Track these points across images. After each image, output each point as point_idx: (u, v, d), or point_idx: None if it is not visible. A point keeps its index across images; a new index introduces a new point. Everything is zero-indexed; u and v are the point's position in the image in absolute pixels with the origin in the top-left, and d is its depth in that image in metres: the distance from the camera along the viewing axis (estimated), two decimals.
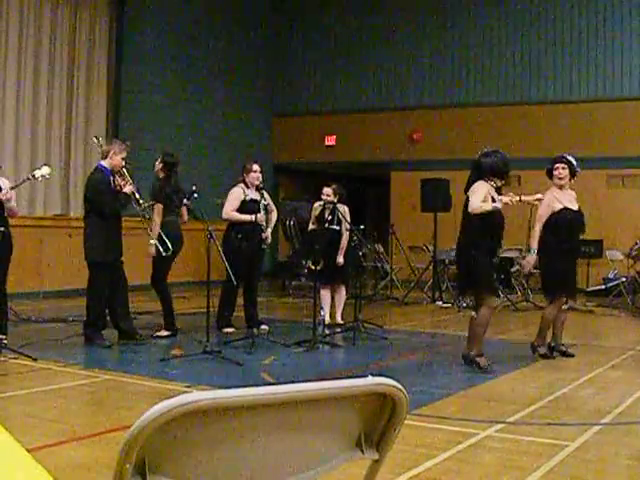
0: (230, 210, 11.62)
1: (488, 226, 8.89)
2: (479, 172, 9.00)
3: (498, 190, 9.08)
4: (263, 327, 11.58)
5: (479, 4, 20.65)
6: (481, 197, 8.76)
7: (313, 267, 11.46)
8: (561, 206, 9.72)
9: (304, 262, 12.30)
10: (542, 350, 9.98)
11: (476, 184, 8.91)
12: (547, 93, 20.08)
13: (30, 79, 16.61)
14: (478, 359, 9.05)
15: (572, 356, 10.12)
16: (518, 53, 20.27)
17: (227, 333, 11.46)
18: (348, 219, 12.24)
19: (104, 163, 10.43)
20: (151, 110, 18.78)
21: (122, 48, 18.52)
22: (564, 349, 10.18)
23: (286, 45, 22.50)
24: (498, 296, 9.65)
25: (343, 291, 12.81)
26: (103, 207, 10.16)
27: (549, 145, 18.22)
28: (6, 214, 9.75)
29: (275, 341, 10.75)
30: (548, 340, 10.08)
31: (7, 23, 16.21)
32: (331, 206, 12.29)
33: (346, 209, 12.45)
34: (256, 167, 11.75)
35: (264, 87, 22.25)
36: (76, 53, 17.53)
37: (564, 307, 9.97)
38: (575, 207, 9.86)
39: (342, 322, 12.44)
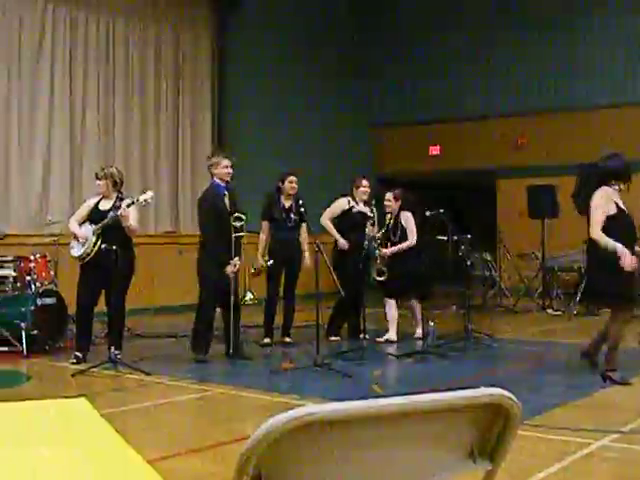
0: (329, 217, 11.79)
1: (617, 229, 8.50)
2: (601, 176, 8.72)
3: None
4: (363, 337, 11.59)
5: (582, 4, 20.31)
6: (602, 211, 8.45)
7: (378, 278, 11.47)
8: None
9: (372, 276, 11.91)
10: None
11: (597, 194, 8.59)
12: None
13: (137, 100, 16.92)
14: (611, 373, 8.70)
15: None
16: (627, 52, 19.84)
17: (334, 341, 11.75)
18: (411, 227, 11.87)
19: (215, 178, 10.63)
20: (253, 125, 18.94)
21: (223, 66, 18.72)
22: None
23: (388, 54, 22.45)
24: (631, 309, 8.90)
25: (413, 303, 12.13)
26: (205, 219, 10.46)
27: None
28: (128, 233, 10.07)
29: (384, 353, 10.74)
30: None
31: (114, 47, 16.56)
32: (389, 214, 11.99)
33: (409, 216, 11.95)
34: (365, 182, 11.94)
35: (365, 98, 22.23)
36: (180, 72, 17.80)
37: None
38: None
39: (421, 336, 11.86)
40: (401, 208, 11.94)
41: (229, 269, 10.26)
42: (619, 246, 8.24)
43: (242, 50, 18.91)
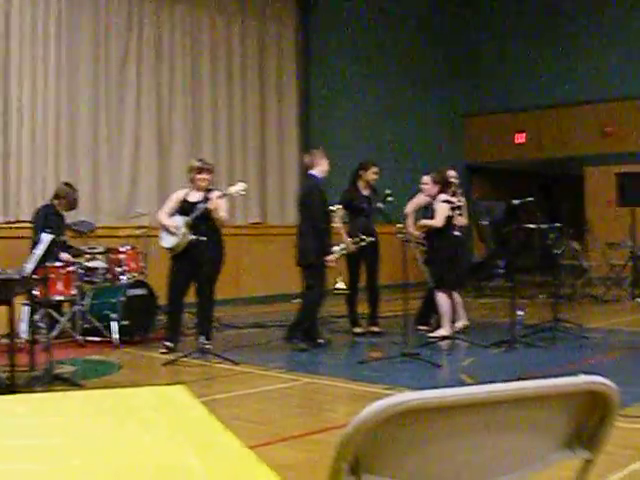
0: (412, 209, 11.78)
1: None
2: None
3: None
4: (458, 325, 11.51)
5: None
6: None
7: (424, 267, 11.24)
8: None
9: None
10: None
11: None
12: None
13: (224, 94, 17.04)
14: None
15: None
16: None
17: (422, 331, 11.62)
18: (441, 210, 11.16)
19: (314, 172, 10.71)
20: (340, 117, 18.94)
21: (309, 60, 18.75)
22: None
23: (474, 43, 22.28)
24: None
25: (453, 295, 11.49)
26: (314, 212, 10.48)
27: None
28: (217, 224, 10.21)
29: (473, 342, 10.69)
30: None
31: (199, 43, 16.70)
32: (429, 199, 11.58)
33: (443, 198, 11.23)
34: (452, 173, 11.77)
35: (452, 87, 22.06)
36: (265, 68, 17.87)
37: None
38: None
39: (459, 328, 11.53)
40: (439, 191, 11.41)
41: (331, 258, 10.39)
42: None
43: (326, 42, 18.91)
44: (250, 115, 17.51)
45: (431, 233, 11.21)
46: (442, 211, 11.10)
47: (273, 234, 17.09)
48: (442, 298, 11.20)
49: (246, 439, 5.78)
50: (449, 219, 11.10)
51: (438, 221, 11.10)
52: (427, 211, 11.48)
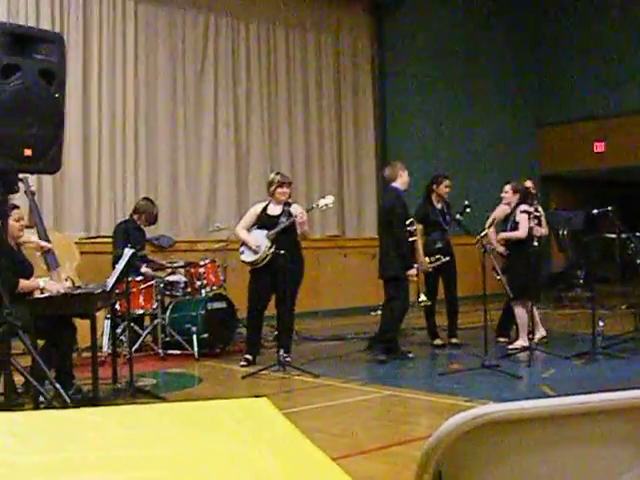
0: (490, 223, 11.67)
1: None
2: None
3: None
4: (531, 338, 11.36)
5: None
6: None
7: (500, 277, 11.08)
8: None
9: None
10: None
11: None
12: None
13: (301, 107, 17.14)
14: None
15: None
16: None
17: (502, 342, 11.56)
18: (523, 220, 11.00)
19: (396, 184, 10.73)
20: (416, 128, 18.89)
21: (385, 71, 18.75)
22: None
23: (550, 52, 22.08)
24: None
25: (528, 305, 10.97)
26: (398, 224, 10.48)
27: None
28: (299, 238, 10.31)
29: (553, 354, 10.57)
30: None
31: (275, 53, 16.84)
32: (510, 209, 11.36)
33: (524, 209, 11.04)
34: (529, 183, 11.65)
35: (528, 97, 21.89)
36: (341, 80, 17.94)
37: None
38: None
39: (537, 339, 11.16)
40: (519, 201, 11.25)
41: (412, 272, 10.40)
42: None
43: (401, 53, 18.90)
44: (326, 128, 17.58)
45: (512, 244, 11.12)
46: (524, 222, 10.99)
47: (352, 246, 17.11)
48: (520, 309, 11.08)
49: (326, 451, 5.81)
50: (530, 230, 11.00)
51: (522, 232, 10.98)
52: (506, 222, 11.38)
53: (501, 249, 11.32)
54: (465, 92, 20.10)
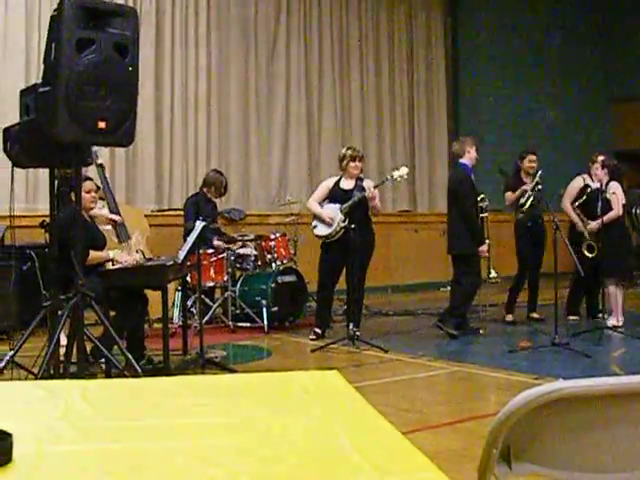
0: (568, 200, 11.52)
1: None
2: None
3: None
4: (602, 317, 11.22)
5: None
6: None
7: (588, 254, 10.96)
8: None
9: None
10: None
11: None
12: None
13: (373, 82, 17.12)
14: None
15: None
16: None
17: (572, 320, 11.46)
18: (618, 197, 11.01)
19: (464, 160, 10.66)
20: (489, 105, 18.73)
21: (457, 46, 18.62)
22: None
23: (624, 26, 21.70)
24: None
25: (611, 288, 11.09)
26: (465, 201, 10.45)
27: None
28: (370, 213, 10.32)
29: (625, 334, 10.46)
30: None
31: (350, 36, 16.82)
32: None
33: (617, 186, 11.09)
34: (601, 158, 11.43)
35: (602, 72, 21.55)
36: (414, 54, 17.88)
37: None
38: None
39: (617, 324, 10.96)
40: (610, 178, 11.15)
41: (484, 248, 10.37)
42: None
43: (475, 29, 18.74)
44: (398, 103, 17.53)
45: (607, 224, 10.90)
46: (617, 200, 10.92)
47: (423, 222, 17.05)
48: (614, 288, 10.99)
49: (395, 426, 5.84)
50: (623, 207, 10.93)
51: (616, 211, 10.94)
52: (595, 200, 11.17)
53: (581, 227, 11.25)
54: (538, 67, 19.85)
